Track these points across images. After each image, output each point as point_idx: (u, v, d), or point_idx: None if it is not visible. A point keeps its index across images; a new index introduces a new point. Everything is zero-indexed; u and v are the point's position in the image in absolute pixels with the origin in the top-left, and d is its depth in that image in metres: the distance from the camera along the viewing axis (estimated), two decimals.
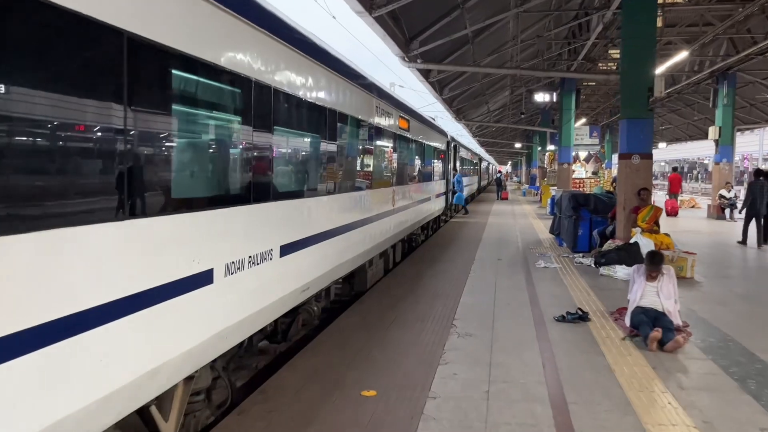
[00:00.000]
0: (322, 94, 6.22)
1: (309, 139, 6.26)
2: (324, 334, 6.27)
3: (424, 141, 13.90)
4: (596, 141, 26.66)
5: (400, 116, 10.97)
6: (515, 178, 76.65)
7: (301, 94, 5.57)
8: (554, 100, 15.27)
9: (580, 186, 24.81)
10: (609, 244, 10.09)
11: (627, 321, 6.35)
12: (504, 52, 16.23)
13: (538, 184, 36.14)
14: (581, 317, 6.66)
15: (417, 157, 13.29)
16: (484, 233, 15.95)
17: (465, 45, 14.45)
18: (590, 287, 8.65)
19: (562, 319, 6.67)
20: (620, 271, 9.31)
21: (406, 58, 11.66)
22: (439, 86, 17.42)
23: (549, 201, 22.71)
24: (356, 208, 7.82)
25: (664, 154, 62.42)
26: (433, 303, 7.59)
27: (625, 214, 10.46)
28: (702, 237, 15.10)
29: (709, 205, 22.09)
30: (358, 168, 8.22)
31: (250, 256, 4.58)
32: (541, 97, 15.19)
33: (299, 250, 5.62)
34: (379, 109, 9.03)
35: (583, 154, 27.66)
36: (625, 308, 6.97)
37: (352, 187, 7.76)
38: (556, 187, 22.99)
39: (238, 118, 4.57)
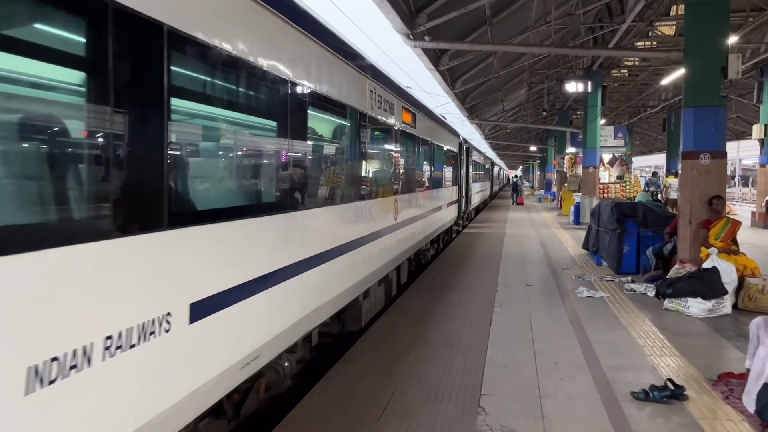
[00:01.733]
0: (279, 59, 4.06)
1: (255, 128, 4.10)
2: (282, 429, 4.08)
3: (433, 141, 11.72)
4: (621, 142, 24.28)
5: (404, 108, 8.79)
6: (527, 183, 74.20)
7: (233, 50, 3.40)
8: (588, 90, 13.04)
9: (604, 192, 22.50)
10: (676, 270, 7.81)
11: (751, 404, 4.12)
12: (525, 37, 14.03)
13: (554, 189, 33.86)
14: (674, 394, 4.42)
15: (425, 159, 11.11)
16: (504, 247, 13.72)
17: (481, 26, 12.28)
18: (660, 330, 6.40)
19: (644, 396, 4.43)
20: (694, 306, 7.04)
21: (411, 36, 9.50)
22: (450, 78, 15.20)
23: (572, 209, 20.51)
24: (341, 227, 5.65)
25: None
26: (448, 361, 5.38)
27: (691, 230, 8.19)
28: (757, 252, 12.77)
29: (753, 212, 19.72)
30: (346, 172, 6.07)
31: (108, 337, 2.42)
32: (573, 86, 12.94)
33: (232, 305, 3.46)
34: (375, 95, 6.87)
35: (606, 157, 25.23)
36: (733, 374, 4.77)
37: (335, 198, 5.61)
38: (580, 194, 20.70)
39: (73, 76, 2.43)
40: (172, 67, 2.84)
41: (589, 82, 13.14)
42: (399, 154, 8.62)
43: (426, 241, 11.42)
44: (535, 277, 9.78)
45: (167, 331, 2.83)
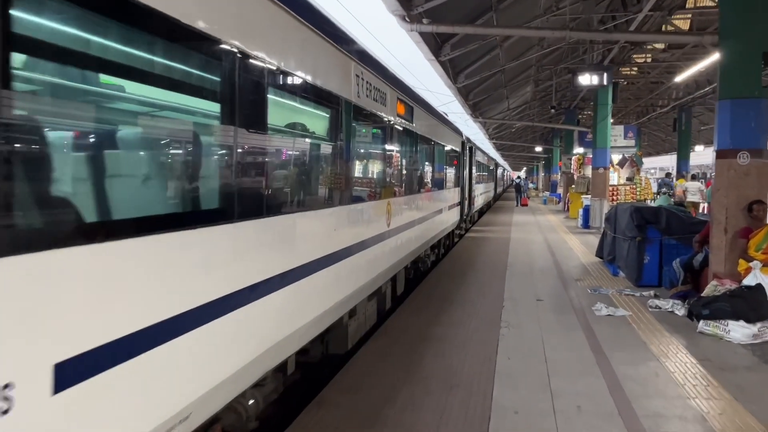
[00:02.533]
0: (225, 23, 3.05)
1: (181, 110, 3.09)
2: None
3: (433, 139, 10.70)
4: (632, 142, 23.21)
5: (400, 100, 7.78)
6: (531, 185, 73.08)
7: None
8: (604, 82, 11.99)
9: (614, 194, 21.44)
10: (714, 287, 6.75)
11: None
12: (535, 26, 13.00)
13: (560, 191, 32.80)
14: None
15: (424, 159, 10.09)
16: (510, 254, 12.68)
17: (486, 12, 11.27)
18: (699, 362, 5.36)
19: None
20: (736, 330, 6.00)
21: (407, 18, 8.50)
22: (453, 71, 14.16)
23: (581, 212, 19.47)
24: (314, 238, 4.64)
25: (698, 158, 57.90)
26: (445, 407, 4.35)
27: (727, 239, 7.16)
28: None
29: None
30: (322, 172, 5.07)
31: None
32: (587, 79, 11.85)
33: (136, 356, 2.45)
34: (362, 80, 5.85)
35: (615, 158, 24.14)
36: None
37: (304, 204, 4.61)
38: (590, 196, 19.64)
39: None
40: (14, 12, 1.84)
41: (605, 74, 12.07)
42: (393, 152, 7.61)
43: (425, 248, 10.42)
44: (546, 290, 8.76)
45: (5, 412, 1.83)
